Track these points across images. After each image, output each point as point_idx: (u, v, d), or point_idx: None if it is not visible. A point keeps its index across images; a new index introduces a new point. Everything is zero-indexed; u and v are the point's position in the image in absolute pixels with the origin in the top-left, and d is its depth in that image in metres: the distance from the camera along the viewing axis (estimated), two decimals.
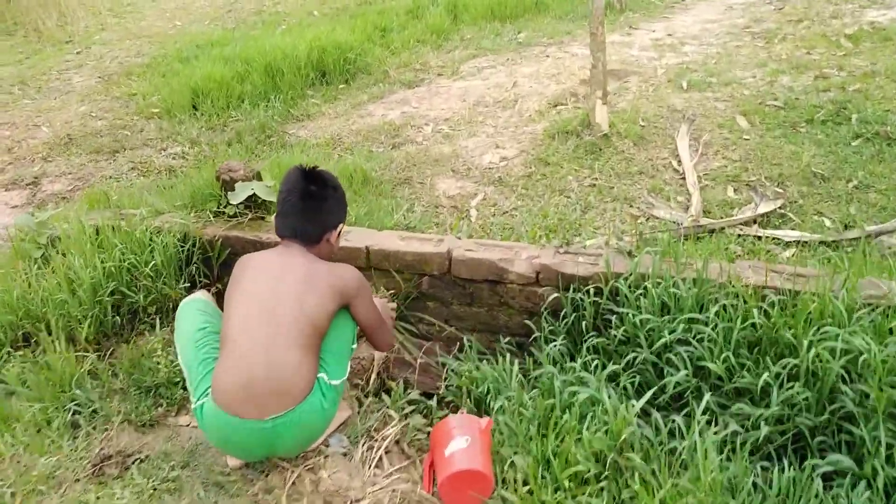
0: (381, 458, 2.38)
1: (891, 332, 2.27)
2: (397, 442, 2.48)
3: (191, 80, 5.87)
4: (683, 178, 4.02)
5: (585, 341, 2.71)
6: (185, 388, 2.62)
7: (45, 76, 7.13)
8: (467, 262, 2.91)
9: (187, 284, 3.17)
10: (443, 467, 2.17)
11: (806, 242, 3.34)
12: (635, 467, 2.15)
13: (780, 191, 3.81)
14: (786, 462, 2.16)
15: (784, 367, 2.28)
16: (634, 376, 2.55)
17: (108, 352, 3.11)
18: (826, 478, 2.10)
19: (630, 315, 2.59)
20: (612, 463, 2.20)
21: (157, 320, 3.12)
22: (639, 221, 3.61)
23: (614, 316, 2.67)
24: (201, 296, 2.45)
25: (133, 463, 2.46)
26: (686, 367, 2.41)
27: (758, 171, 4.01)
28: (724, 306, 2.46)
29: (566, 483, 2.11)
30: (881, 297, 2.39)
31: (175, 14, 9.46)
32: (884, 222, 3.42)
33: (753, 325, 2.40)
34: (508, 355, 2.65)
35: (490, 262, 2.88)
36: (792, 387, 2.27)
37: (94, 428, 2.62)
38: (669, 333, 2.47)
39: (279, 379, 2.02)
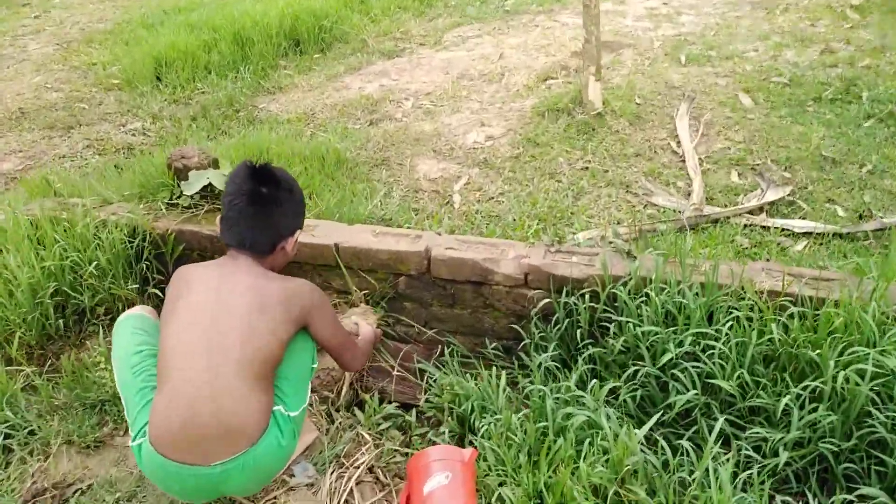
0: (351, 490, 2.11)
1: None
2: (371, 469, 2.20)
3: (154, 49, 5.45)
4: (683, 161, 3.72)
5: (580, 351, 2.44)
6: None
7: None
8: (448, 262, 2.61)
9: (136, 285, 2.85)
10: None
11: (819, 233, 3.07)
12: (640, 502, 1.90)
13: (788, 175, 3.53)
14: (810, 496, 1.92)
15: (805, 389, 2.02)
16: (636, 390, 2.28)
17: (51, 360, 2.81)
18: None
19: (630, 325, 2.31)
20: (613, 497, 1.94)
21: (107, 323, 2.82)
22: (636, 211, 3.32)
23: (612, 324, 2.40)
24: (139, 311, 2.12)
25: (73, 495, 2.17)
26: (695, 386, 2.15)
27: (763, 154, 3.72)
28: (738, 319, 2.19)
29: None
30: None
31: None
32: None
33: (770, 339, 2.13)
34: (495, 369, 2.37)
35: (473, 263, 2.58)
36: (815, 408, 2.01)
37: (30, 453, 2.33)
38: (676, 347, 2.20)
39: (226, 420, 1.72)
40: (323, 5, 6.08)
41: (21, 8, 7.77)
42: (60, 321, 2.83)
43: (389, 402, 2.56)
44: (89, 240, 2.85)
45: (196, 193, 2.94)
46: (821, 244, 3.02)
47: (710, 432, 2.09)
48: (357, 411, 2.44)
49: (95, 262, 2.77)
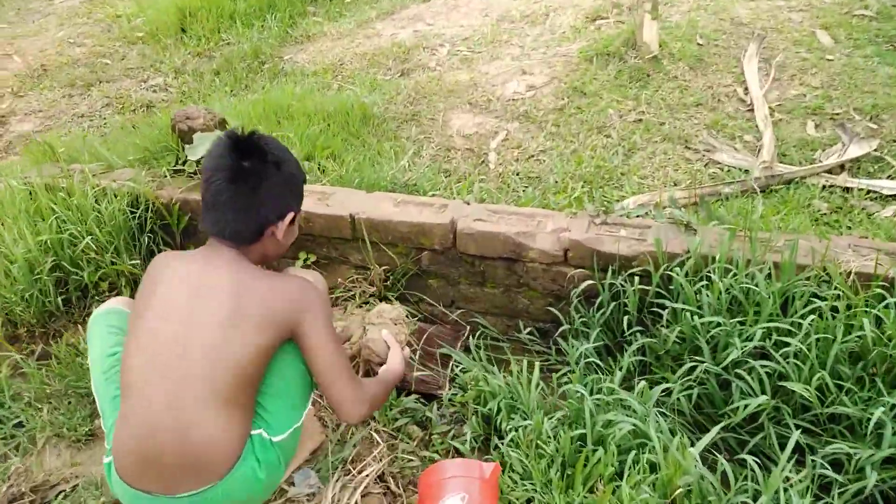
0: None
1: None
2: (381, 477, 1.94)
3: None
4: (751, 111, 3.27)
5: (627, 340, 2.11)
6: None
7: None
8: (476, 236, 2.29)
9: (137, 260, 2.62)
10: None
11: None
12: None
13: (874, 127, 3.05)
14: None
15: None
16: (691, 388, 1.95)
17: (54, 339, 2.63)
18: None
19: (687, 314, 1.96)
20: None
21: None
22: (696, 171, 2.91)
23: (666, 311, 2.05)
24: (116, 304, 1.85)
25: (56, 497, 1.98)
26: (763, 389, 1.80)
27: (845, 102, 3.23)
28: (819, 310, 1.81)
29: None
30: None
31: None
32: None
33: (860, 336, 1.76)
34: (526, 363, 2.06)
35: (505, 237, 2.25)
36: None
37: (16, 448, 2.14)
38: (743, 341, 1.85)
39: (192, 451, 1.45)
40: None
41: None
42: (62, 298, 2.65)
43: (408, 393, 2.29)
44: (88, 211, 2.62)
45: (201, 158, 2.66)
46: None
47: (779, 443, 1.76)
48: None
49: (93, 236, 2.54)
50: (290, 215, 1.67)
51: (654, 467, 1.71)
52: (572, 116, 3.44)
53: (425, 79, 4.01)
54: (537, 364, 2.05)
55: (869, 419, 1.67)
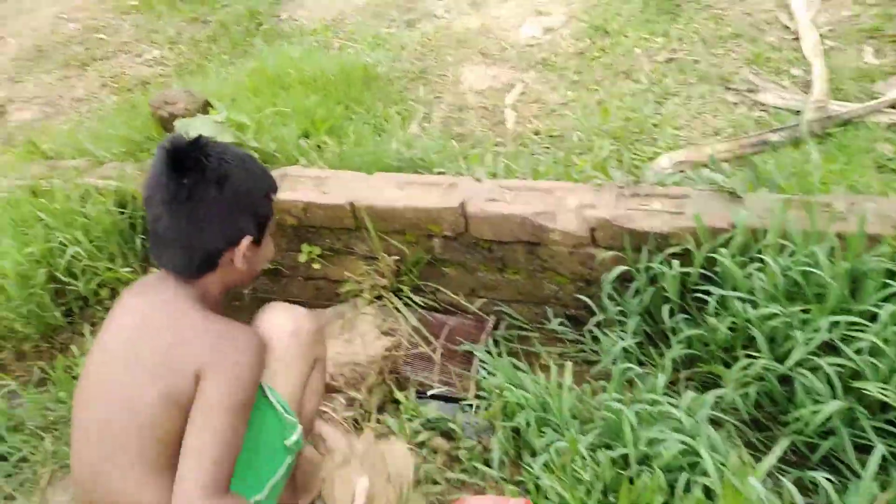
0: None
1: None
2: None
3: None
4: (797, 40, 2.89)
5: (669, 332, 1.86)
6: None
7: None
8: (490, 219, 2.03)
9: (133, 264, 2.44)
10: None
11: None
12: None
13: None
14: None
15: None
16: (747, 384, 1.71)
17: (58, 352, 2.49)
18: None
19: (739, 304, 1.69)
20: None
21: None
22: (739, 115, 2.58)
23: (712, 297, 1.78)
24: None
25: None
26: (834, 393, 1.54)
27: None
28: None
29: None
30: None
31: None
32: None
33: None
34: (554, 367, 1.82)
35: (522, 219, 1.99)
36: None
37: (21, 485, 2.02)
38: (806, 334, 1.58)
39: None
40: None
41: None
42: (63, 309, 2.50)
43: (432, 396, 2.10)
44: (75, 215, 2.44)
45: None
46: None
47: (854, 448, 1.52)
48: (390, 419, 1.98)
49: (82, 243, 2.37)
50: (247, 239, 1.38)
51: (708, 493, 1.49)
52: (595, 61, 3.11)
53: (432, 29, 3.69)
54: (569, 366, 1.82)
55: None
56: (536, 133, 2.79)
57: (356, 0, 4.20)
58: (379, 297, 2.30)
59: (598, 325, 2.05)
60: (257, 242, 1.41)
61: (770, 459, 1.46)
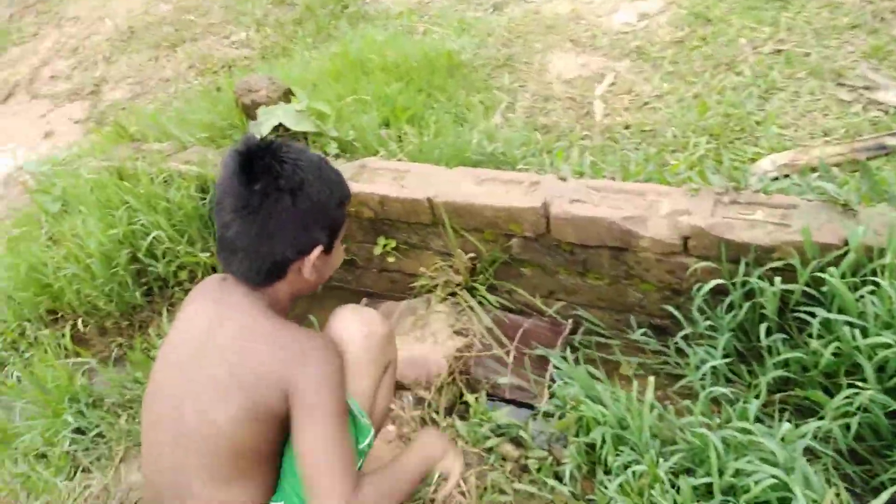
0: None
1: None
2: None
3: None
4: None
5: (763, 351, 1.71)
6: None
7: None
8: (574, 222, 1.92)
9: (206, 255, 2.46)
10: None
11: None
12: None
13: None
14: None
15: None
16: (848, 414, 1.55)
17: (137, 329, 2.56)
18: None
19: (843, 326, 1.53)
20: None
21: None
22: (853, 115, 2.36)
23: (816, 319, 1.63)
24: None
25: None
26: None
27: None
28: None
29: None
30: None
31: None
32: None
33: None
34: (636, 383, 1.71)
35: (609, 223, 1.87)
36: None
37: (98, 458, 2.07)
38: None
39: None
40: None
41: None
42: (144, 288, 2.56)
43: (503, 400, 2.02)
44: (158, 198, 2.47)
45: (268, 136, 2.43)
46: None
47: None
48: (458, 422, 1.92)
49: (163, 226, 2.40)
50: (318, 249, 1.33)
51: None
52: (694, 50, 2.92)
53: (520, 13, 3.56)
54: (651, 381, 1.70)
55: None
56: (627, 127, 2.64)
57: None
58: (453, 295, 2.23)
59: (684, 337, 1.92)
60: (327, 251, 1.36)
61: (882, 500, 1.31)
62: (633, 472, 1.53)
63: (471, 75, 3.14)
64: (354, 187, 2.07)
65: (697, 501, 1.47)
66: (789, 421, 1.68)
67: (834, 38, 2.72)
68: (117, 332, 2.58)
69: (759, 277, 1.72)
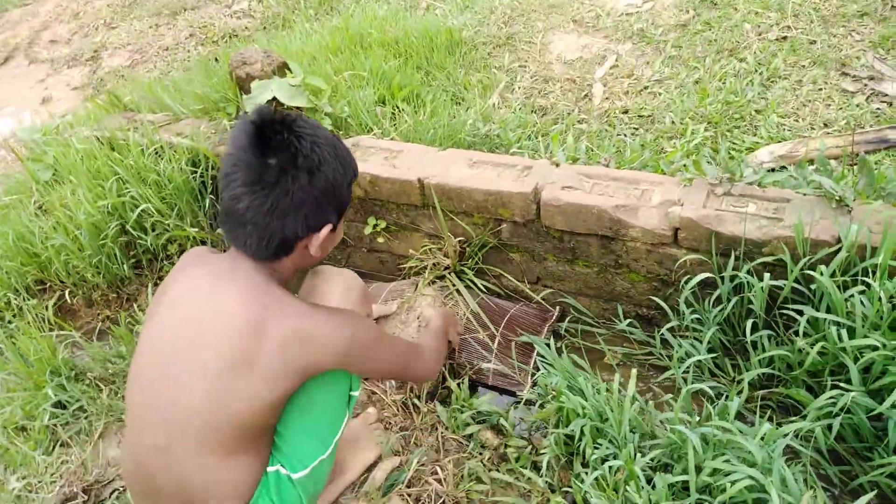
0: None
1: None
2: None
3: None
4: None
5: (748, 346, 1.69)
6: None
7: None
8: (564, 209, 1.89)
9: (202, 223, 2.43)
10: None
11: None
12: None
13: None
14: None
15: None
16: (830, 414, 1.53)
17: (124, 301, 2.55)
18: None
19: (830, 325, 1.51)
20: None
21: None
22: (856, 107, 2.31)
23: (803, 317, 1.60)
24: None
25: (110, 496, 1.89)
26: None
27: None
28: None
29: None
30: None
31: None
32: None
33: None
34: (618, 377, 1.69)
35: (599, 211, 1.84)
36: None
37: (77, 433, 2.07)
38: None
39: (193, 496, 1.24)
40: None
41: None
42: (133, 261, 2.54)
43: (486, 386, 2.01)
44: (148, 170, 2.45)
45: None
46: None
47: None
48: (439, 407, 1.91)
49: (152, 199, 2.37)
50: (328, 227, 1.33)
51: None
52: (698, 35, 2.86)
53: None
54: (634, 374, 1.67)
55: None
56: (625, 111, 2.59)
57: None
58: (441, 278, 2.21)
59: (670, 329, 1.90)
60: (334, 229, 1.36)
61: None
62: (610, 468, 1.51)
63: (471, 53, 3.09)
64: None
65: (673, 499, 1.46)
66: (771, 419, 1.67)
67: (841, 25, 2.65)
68: (105, 304, 2.57)
69: (749, 272, 1.69)
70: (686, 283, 1.79)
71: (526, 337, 2.03)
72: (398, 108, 2.59)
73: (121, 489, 1.89)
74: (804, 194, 1.72)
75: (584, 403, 1.64)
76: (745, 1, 2.90)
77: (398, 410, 1.94)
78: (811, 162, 2.04)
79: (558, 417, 1.73)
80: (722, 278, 1.74)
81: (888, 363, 1.43)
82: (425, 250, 2.23)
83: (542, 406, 1.83)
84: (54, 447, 2.02)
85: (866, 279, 1.50)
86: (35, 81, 4.37)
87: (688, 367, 1.73)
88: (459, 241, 2.15)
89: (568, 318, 2.12)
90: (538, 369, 1.96)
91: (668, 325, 1.86)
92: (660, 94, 2.63)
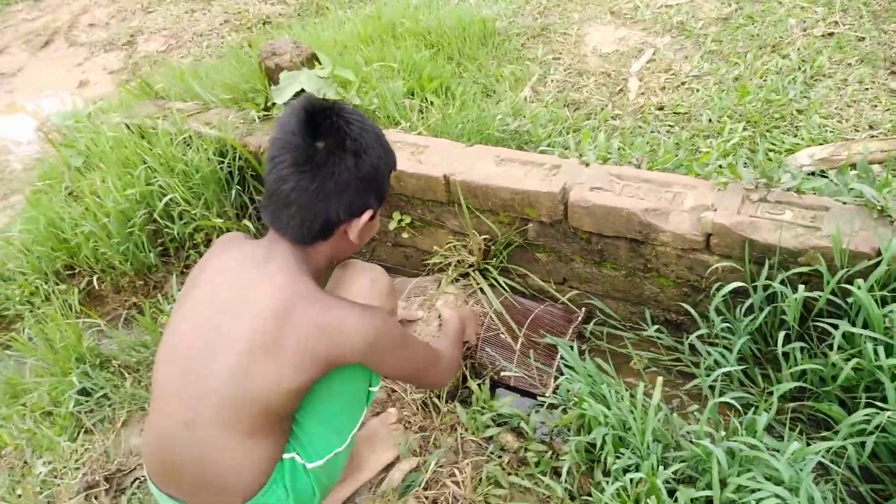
0: None
1: None
2: None
3: None
4: None
5: (780, 357, 1.63)
6: None
7: None
8: (592, 211, 1.84)
9: (230, 213, 2.44)
10: None
11: None
12: None
13: None
14: None
15: None
16: (864, 432, 1.47)
17: (151, 289, 2.57)
18: None
19: (866, 341, 1.44)
20: None
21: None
22: None
23: (838, 331, 1.53)
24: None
25: (131, 485, 1.91)
26: None
27: None
28: None
29: None
30: None
31: None
32: None
33: None
34: (642, 383, 1.64)
35: (629, 214, 1.79)
36: None
37: (101, 420, 2.09)
38: None
39: (210, 474, 1.25)
40: None
41: None
42: (160, 249, 2.55)
43: (507, 388, 1.98)
44: (176, 160, 2.45)
45: (290, 101, 2.38)
46: None
47: None
48: (459, 407, 1.88)
49: (179, 189, 2.38)
50: (368, 213, 1.34)
51: None
52: (740, 29, 2.77)
53: None
54: (660, 382, 1.63)
55: None
56: (660, 108, 2.52)
57: None
58: (465, 275, 2.18)
59: (699, 337, 1.84)
60: (371, 218, 1.37)
61: None
62: (631, 480, 1.48)
63: (504, 44, 3.03)
64: None
65: None
66: (801, 432, 1.61)
67: (893, 22, 2.54)
68: (132, 290, 2.59)
69: (783, 282, 1.63)
70: (717, 290, 1.73)
71: (550, 339, 1.99)
72: (427, 100, 2.56)
73: (142, 478, 1.91)
74: (844, 203, 1.65)
75: (607, 412, 1.60)
76: None
77: (418, 409, 1.92)
78: (853, 166, 1.96)
79: (580, 424, 1.70)
80: (755, 287, 1.67)
81: None
82: (450, 247, 2.20)
83: (564, 410, 1.80)
84: (79, 434, 2.04)
85: None
86: (73, 65, 4.42)
87: (716, 378, 1.67)
88: (484, 238, 2.12)
89: (594, 321, 2.07)
90: (562, 372, 1.92)
91: (698, 333, 1.80)
92: (697, 90, 2.56)
